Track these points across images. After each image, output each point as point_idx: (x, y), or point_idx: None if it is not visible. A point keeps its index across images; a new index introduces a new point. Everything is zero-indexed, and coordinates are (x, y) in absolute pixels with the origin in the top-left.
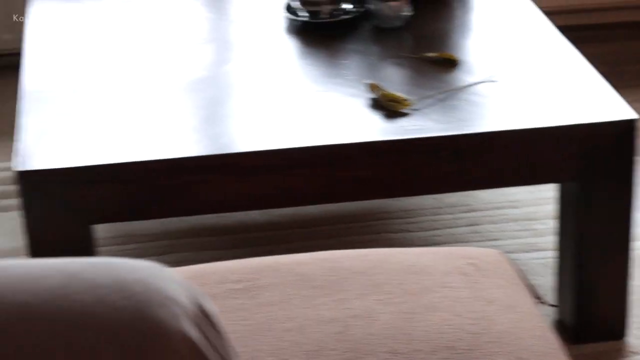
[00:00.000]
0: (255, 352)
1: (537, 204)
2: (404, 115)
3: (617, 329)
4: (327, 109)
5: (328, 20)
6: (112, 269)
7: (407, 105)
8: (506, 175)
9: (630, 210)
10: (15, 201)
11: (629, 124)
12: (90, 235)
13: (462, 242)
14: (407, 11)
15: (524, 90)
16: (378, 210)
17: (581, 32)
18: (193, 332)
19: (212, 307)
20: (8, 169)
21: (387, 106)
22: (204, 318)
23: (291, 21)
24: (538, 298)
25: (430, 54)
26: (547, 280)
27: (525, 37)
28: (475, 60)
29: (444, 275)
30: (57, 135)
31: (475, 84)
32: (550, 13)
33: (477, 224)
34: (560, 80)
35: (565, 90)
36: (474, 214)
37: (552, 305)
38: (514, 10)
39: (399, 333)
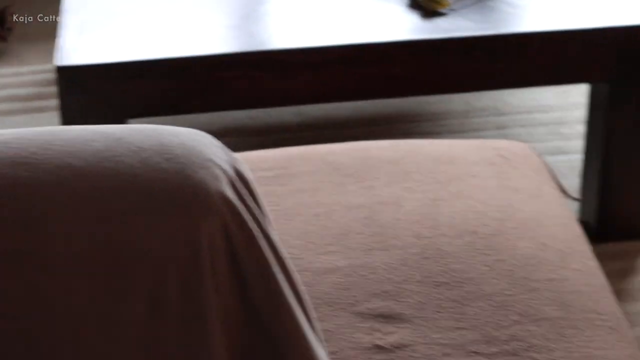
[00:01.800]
0: (284, 235)
1: (567, 109)
2: (441, 15)
3: (639, 229)
4: (365, 7)
5: None
6: (156, 133)
7: (445, 5)
8: (539, 75)
9: None
10: (52, 102)
11: None
12: None
13: None
14: None
15: None
16: (409, 113)
17: None
18: (231, 193)
19: (248, 171)
20: (46, 70)
21: (426, 5)
22: (241, 181)
23: None
24: (563, 191)
25: None
26: (572, 181)
27: None
28: None
29: (472, 165)
30: (97, 32)
31: None
32: None
33: (505, 128)
34: None
35: None
36: (503, 117)
37: (576, 199)
38: None
39: (425, 218)
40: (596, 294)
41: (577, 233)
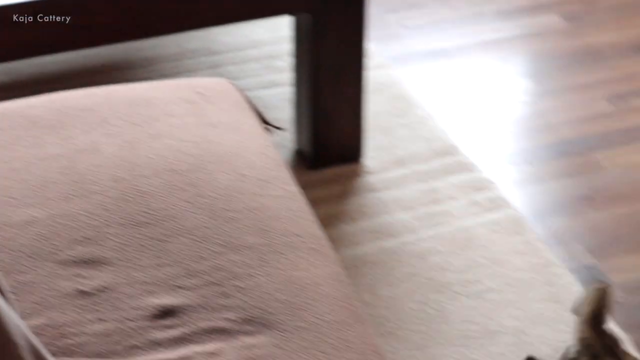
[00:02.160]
0: None
1: (277, 43)
2: None
3: (353, 153)
4: None
5: None
6: None
7: None
8: (242, 9)
9: (361, 40)
10: None
11: None
12: None
13: None
14: None
15: None
16: (120, 61)
17: None
18: None
19: None
20: None
21: None
22: None
23: None
24: (267, 123)
25: None
26: (286, 112)
27: None
28: None
29: (169, 104)
30: None
31: None
32: None
33: (219, 66)
34: None
35: None
36: (215, 57)
37: (280, 129)
38: None
39: (123, 162)
40: (296, 217)
41: (276, 161)
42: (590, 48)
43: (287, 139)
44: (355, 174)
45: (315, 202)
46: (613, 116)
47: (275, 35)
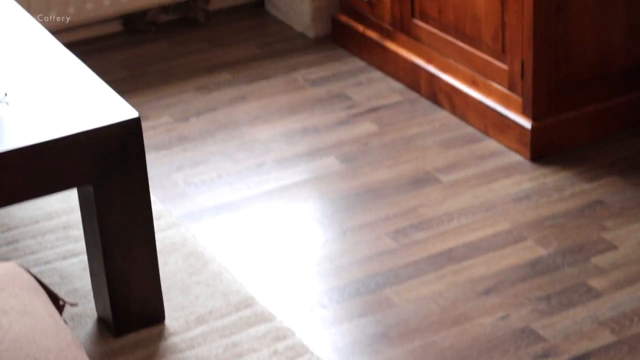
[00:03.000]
0: None
1: (70, 212)
2: None
3: (154, 315)
4: None
5: None
6: None
7: None
8: (25, 190)
9: (147, 202)
10: None
11: (132, 123)
12: None
13: (2, 260)
14: None
15: (34, 107)
16: None
17: (96, 43)
18: None
19: None
20: None
21: None
22: None
23: None
24: (59, 300)
25: None
26: (86, 281)
27: (34, 56)
28: None
29: None
30: None
31: None
32: (58, 32)
33: (16, 241)
34: (67, 92)
35: (72, 101)
36: (11, 232)
37: (73, 304)
38: (22, 32)
39: None
40: None
41: (70, 341)
42: (368, 187)
43: (89, 308)
44: (159, 337)
45: None
46: (398, 252)
47: (69, 205)
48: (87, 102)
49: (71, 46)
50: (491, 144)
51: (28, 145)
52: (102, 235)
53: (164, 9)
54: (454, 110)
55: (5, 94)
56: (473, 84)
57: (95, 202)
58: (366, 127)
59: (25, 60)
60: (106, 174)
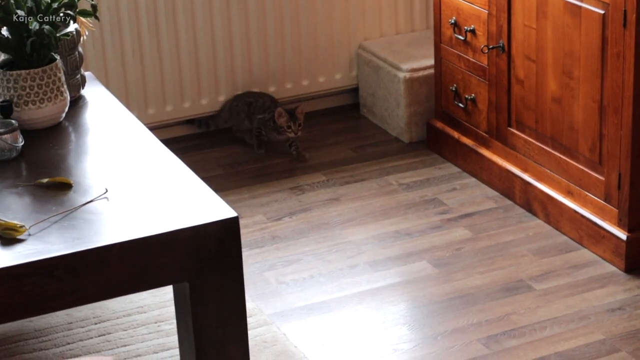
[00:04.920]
0: None
1: (163, 307)
2: (20, 241)
3: None
4: None
5: None
6: None
7: (22, 231)
8: (122, 284)
9: (242, 301)
10: None
11: (230, 222)
12: None
13: (94, 351)
14: (20, 142)
15: (134, 202)
16: (13, 333)
17: (193, 140)
18: None
19: None
20: None
21: (4, 234)
22: None
23: None
24: None
25: (44, 180)
26: None
27: (133, 152)
28: (89, 180)
29: None
30: None
31: (88, 202)
32: (154, 128)
33: (108, 333)
34: (165, 189)
35: (171, 198)
36: (104, 324)
37: None
38: (123, 129)
39: None
40: None
41: None
42: (460, 292)
43: None
44: None
45: None
46: (489, 358)
47: (161, 299)
48: (185, 199)
49: (168, 143)
50: (585, 254)
51: (127, 241)
52: (196, 332)
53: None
54: (548, 219)
55: (106, 190)
56: (568, 193)
57: (190, 299)
58: (459, 232)
59: (125, 156)
60: (203, 271)
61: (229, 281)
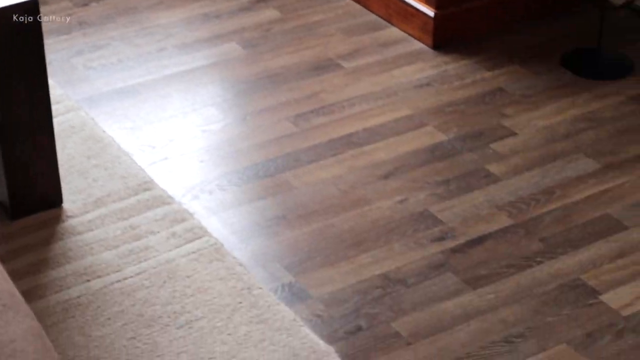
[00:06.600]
0: None
1: None
2: None
3: (52, 199)
4: None
5: None
6: None
7: None
8: None
9: (45, 85)
10: None
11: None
12: None
13: None
14: None
15: None
16: None
17: None
18: None
19: None
20: None
21: None
22: None
23: None
24: None
25: None
26: None
27: None
28: None
29: None
30: None
31: None
32: None
33: None
34: None
35: None
36: None
37: None
38: None
39: None
40: None
41: None
42: (270, 72)
43: None
44: (57, 219)
45: (18, 252)
46: (298, 136)
47: None
48: None
49: None
50: (394, 32)
51: None
52: (3, 123)
53: None
54: None
55: None
56: None
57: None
58: (269, 13)
59: None
60: (3, 56)
61: (31, 65)
